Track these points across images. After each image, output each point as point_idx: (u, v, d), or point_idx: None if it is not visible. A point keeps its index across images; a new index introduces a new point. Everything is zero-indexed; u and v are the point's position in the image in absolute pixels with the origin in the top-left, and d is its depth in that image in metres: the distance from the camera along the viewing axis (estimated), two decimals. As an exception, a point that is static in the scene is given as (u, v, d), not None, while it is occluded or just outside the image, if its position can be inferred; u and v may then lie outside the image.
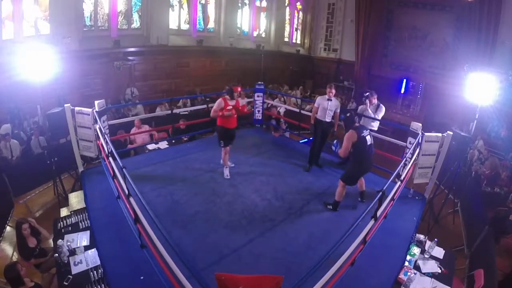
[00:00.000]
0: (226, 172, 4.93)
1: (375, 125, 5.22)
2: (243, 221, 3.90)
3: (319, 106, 5.09)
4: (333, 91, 4.99)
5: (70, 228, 3.78)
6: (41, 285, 3.31)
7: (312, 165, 5.42)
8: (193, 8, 11.40)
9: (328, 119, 5.10)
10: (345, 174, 4.16)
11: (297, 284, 2.11)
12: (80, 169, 4.91)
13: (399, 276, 3.26)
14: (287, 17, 14.85)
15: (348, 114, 4.18)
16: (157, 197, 4.23)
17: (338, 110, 5.14)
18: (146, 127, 6.85)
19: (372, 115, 5.09)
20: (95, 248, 3.37)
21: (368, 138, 3.93)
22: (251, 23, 13.48)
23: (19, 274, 3.00)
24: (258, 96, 6.97)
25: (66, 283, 3.05)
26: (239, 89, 4.70)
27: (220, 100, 4.62)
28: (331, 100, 5.01)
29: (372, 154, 4.06)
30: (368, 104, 5.11)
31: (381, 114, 5.11)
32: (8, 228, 4.78)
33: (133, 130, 6.69)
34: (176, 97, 8.28)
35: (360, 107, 5.37)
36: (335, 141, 4.78)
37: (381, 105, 5.14)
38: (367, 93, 5.17)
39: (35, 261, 3.68)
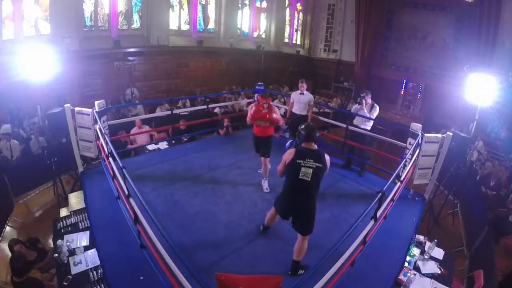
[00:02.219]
0: (265, 185, 4.54)
1: (369, 125, 5.24)
2: (243, 221, 3.90)
3: (293, 100, 5.62)
4: (305, 85, 5.50)
5: (69, 228, 3.77)
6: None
7: None
8: (193, 8, 11.41)
9: (300, 112, 5.56)
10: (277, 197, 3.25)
11: (297, 284, 2.11)
12: (80, 169, 4.90)
13: (399, 277, 3.26)
14: (287, 18, 14.86)
15: (303, 126, 3.02)
16: (157, 198, 4.23)
17: (312, 103, 5.59)
18: (146, 128, 6.85)
19: (368, 115, 5.11)
20: (94, 248, 3.36)
21: (304, 170, 2.81)
22: (251, 24, 13.49)
23: (27, 261, 3.13)
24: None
25: (65, 283, 3.04)
26: (269, 100, 4.25)
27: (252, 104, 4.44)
28: (303, 94, 5.52)
29: (306, 196, 2.96)
30: (364, 104, 5.13)
31: (375, 113, 5.14)
32: (7, 228, 4.78)
33: (134, 130, 6.68)
34: (176, 98, 8.29)
35: (354, 107, 5.41)
36: (288, 142, 3.72)
37: (375, 104, 5.16)
38: (363, 94, 5.22)
39: (37, 266, 3.69)
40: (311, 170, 2.81)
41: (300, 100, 5.54)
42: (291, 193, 2.97)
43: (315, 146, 2.93)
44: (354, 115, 5.37)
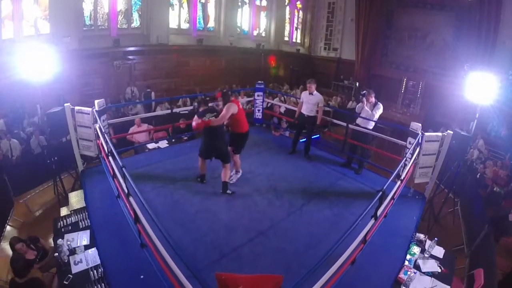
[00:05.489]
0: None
1: (371, 124, 5.23)
2: (243, 220, 3.90)
3: (303, 100, 5.55)
4: (312, 86, 5.40)
5: (70, 228, 3.76)
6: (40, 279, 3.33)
7: (295, 149, 5.90)
8: (193, 7, 11.40)
9: (308, 112, 5.48)
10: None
11: (297, 283, 2.10)
12: (80, 168, 4.90)
13: (399, 275, 3.26)
14: (287, 16, 14.85)
15: (224, 91, 4.31)
16: (157, 197, 4.23)
17: (321, 105, 5.47)
18: (145, 126, 6.84)
19: (370, 112, 5.10)
20: (95, 248, 3.36)
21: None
22: (251, 22, 13.48)
23: (26, 261, 3.23)
24: (258, 96, 6.95)
25: (66, 283, 3.04)
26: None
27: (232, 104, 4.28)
28: (312, 94, 5.42)
29: (215, 136, 4.25)
30: (365, 102, 5.12)
31: (378, 112, 5.12)
32: (8, 228, 4.78)
33: (133, 129, 6.66)
34: (176, 96, 8.28)
35: (358, 106, 5.40)
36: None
37: (378, 103, 5.14)
38: (364, 91, 5.20)
39: (38, 265, 3.69)
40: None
41: (309, 100, 5.43)
42: (207, 137, 4.30)
43: (209, 105, 4.34)
44: (356, 116, 5.36)
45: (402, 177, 3.87)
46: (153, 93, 10.04)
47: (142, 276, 2.97)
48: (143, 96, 9.97)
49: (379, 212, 3.16)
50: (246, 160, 5.43)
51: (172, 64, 11.10)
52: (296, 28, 15.43)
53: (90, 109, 4.57)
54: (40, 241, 3.91)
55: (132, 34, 10.16)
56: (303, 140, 5.84)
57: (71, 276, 3.11)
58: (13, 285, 3.15)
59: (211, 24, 12.32)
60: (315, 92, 5.43)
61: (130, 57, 10.03)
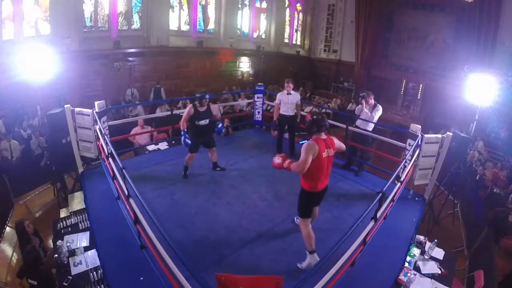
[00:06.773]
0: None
1: (371, 126, 5.24)
2: (243, 221, 3.90)
3: (280, 102, 5.44)
4: (291, 85, 5.39)
5: (69, 229, 3.76)
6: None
7: (281, 152, 5.76)
8: (193, 9, 11.43)
9: (289, 113, 5.43)
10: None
11: (297, 284, 2.10)
12: (80, 170, 4.90)
13: (399, 277, 3.26)
14: (287, 18, 14.89)
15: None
16: (157, 198, 4.23)
17: (299, 103, 5.50)
18: (148, 128, 6.84)
19: (369, 114, 5.11)
20: (94, 249, 3.36)
21: (202, 121, 4.53)
22: (251, 24, 13.51)
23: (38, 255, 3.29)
24: (258, 97, 6.97)
25: (65, 284, 3.04)
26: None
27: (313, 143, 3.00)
28: (290, 94, 5.39)
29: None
30: (365, 104, 5.13)
31: (378, 113, 5.12)
32: (8, 229, 4.77)
33: (136, 130, 6.66)
34: (176, 98, 8.29)
35: (357, 108, 5.40)
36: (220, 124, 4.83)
37: (378, 105, 5.15)
38: (363, 93, 5.20)
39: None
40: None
41: (289, 101, 5.39)
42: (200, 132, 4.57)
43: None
44: (355, 118, 5.36)
45: (401, 179, 3.87)
46: (162, 89, 10.21)
47: (141, 278, 2.97)
48: (153, 91, 10.15)
49: (379, 214, 3.16)
50: (246, 162, 5.45)
51: (172, 66, 11.12)
52: (296, 30, 15.46)
53: (90, 110, 4.57)
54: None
55: (132, 36, 10.18)
56: (303, 142, 5.83)
57: (70, 277, 3.10)
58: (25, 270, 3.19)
59: (211, 26, 12.36)
60: (292, 91, 5.45)
61: (130, 58, 10.05)
